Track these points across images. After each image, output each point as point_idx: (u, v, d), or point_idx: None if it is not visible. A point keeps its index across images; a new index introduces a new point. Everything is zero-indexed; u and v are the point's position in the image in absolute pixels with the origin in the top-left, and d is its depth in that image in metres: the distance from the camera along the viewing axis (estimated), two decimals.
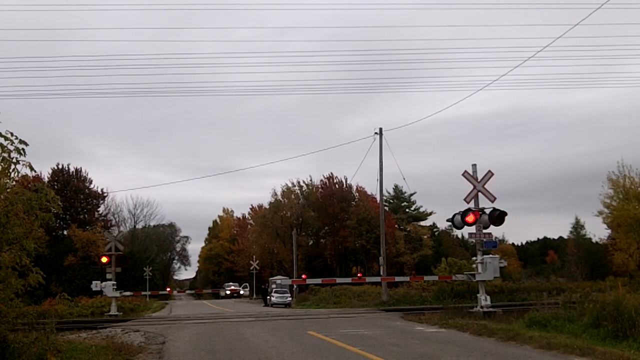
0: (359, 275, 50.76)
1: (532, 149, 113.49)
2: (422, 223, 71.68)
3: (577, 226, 74.00)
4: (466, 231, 20.81)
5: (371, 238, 57.33)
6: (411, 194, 70.77)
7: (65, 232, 56.33)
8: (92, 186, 61.25)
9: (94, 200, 61.70)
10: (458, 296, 27.38)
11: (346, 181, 64.19)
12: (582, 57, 69.67)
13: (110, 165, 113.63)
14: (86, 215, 59.27)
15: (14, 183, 9.56)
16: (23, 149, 9.19)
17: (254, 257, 63.41)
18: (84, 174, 60.85)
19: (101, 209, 63.88)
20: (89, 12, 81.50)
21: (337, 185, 64.32)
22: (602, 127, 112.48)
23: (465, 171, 19.45)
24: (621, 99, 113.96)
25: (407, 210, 71.01)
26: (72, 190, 56.63)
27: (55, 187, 50.08)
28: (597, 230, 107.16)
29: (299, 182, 66.98)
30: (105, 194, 62.65)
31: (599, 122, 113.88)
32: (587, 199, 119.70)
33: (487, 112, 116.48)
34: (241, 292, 68.37)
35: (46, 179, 53.17)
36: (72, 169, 60.05)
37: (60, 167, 58.90)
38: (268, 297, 40.89)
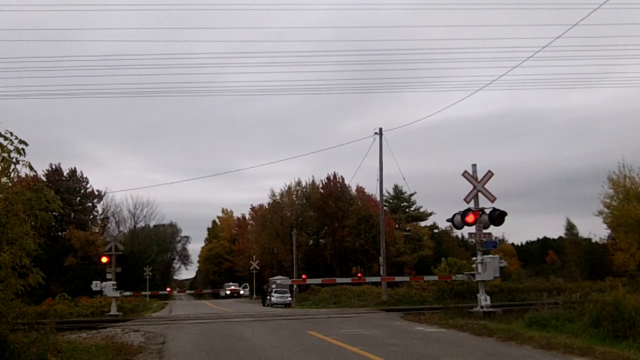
0: (359, 275, 50.76)
1: (531, 150, 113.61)
2: (422, 223, 71.73)
3: (569, 227, 74.21)
4: (466, 231, 20.83)
5: (369, 238, 57.39)
6: (411, 194, 70.91)
7: (62, 234, 56.34)
8: (88, 186, 61.28)
9: (91, 200, 61.68)
10: (458, 296, 27.36)
11: (343, 181, 64.34)
12: (579, 57, 69.73)
13: (111, 166, 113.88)
14: (82, 215, 59.26)
15: (11, 184, 9.55)
16: (23, 149, 9.20)
17: (254, 257, 63.41)
18: (80, 174, 60.84)
19: (98, 208, 63.94)
20: (89, 13, 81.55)
21: (337, 186, 64.32)
22: (600, 128, 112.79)
23: (465, 171, 19.46)
24: (619, 100, 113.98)
25: (407, 210, 71.05)
26: (67, 191, 56.59)
27: (52, 188, 50.10)
28: (598, 230, 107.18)
29: (299, 182, 67.08)
30: (102, 194, 62.61)
31: (596, 123, 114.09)
32: (588, 199, 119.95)
33: (485, 113, 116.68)
34: (241, 292, 68.39)
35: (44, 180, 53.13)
36: (66, 170, 60.07)
37: (54, 167, 58.88)
38: (267, 297, 40.89)
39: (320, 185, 65.74)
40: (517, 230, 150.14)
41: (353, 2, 79.61)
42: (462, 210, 19.07)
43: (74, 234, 53.07)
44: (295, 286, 44.26)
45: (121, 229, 71.60)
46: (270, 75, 73.34)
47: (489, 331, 13.30)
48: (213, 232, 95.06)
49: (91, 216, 62.09)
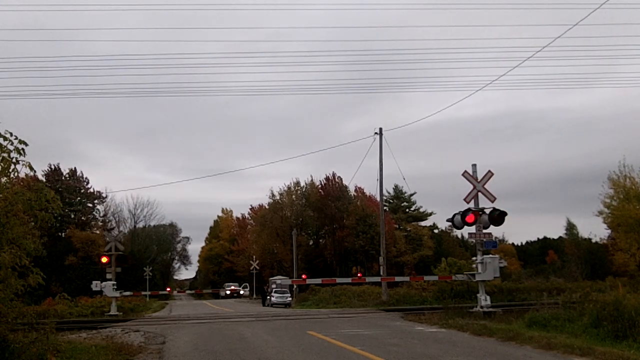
0: (359, 275, 50.75)
1: (531, 150, 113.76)
2: (422, 223, 71.70)
3: (569, 227, 74.30)
4: (466, 231, 20.81)
5: (368, 238, 57.38)
6: (411, 194, 70.88)
7: (62, 234, 56.32)
8: (89, 187, 61.25)
9: (92, 201, 61.68)
10: (458, 296, 27.37)
11: (341, 181, 64.37)
12: (579, 57, 69.89)
13: (111, 166, 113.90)
14: (82, 217, 59.24)
15: (11, 184, 9.55)
16: (23, 149, 9.20)
17: (254, 257, 63.41)
18: (80, 174, 60.81)
19: (100, 209, 63.96)
20: (89, 13, 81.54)
21: (336, 186, 64.34)
22: (600, 128, 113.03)
23: (465, 171, 19.44)
24: (619, 100, 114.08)
25: (407, 210, 71.01)
26: (67, 191, 56.59)
27: (51, 188, 50.23)
28: (598, 230, 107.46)
29: (297, 182, 67.09)
30: (105, 196, 62.68)
31: (596, 123, 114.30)
32: (588, 199, 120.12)
33: (485, 113, 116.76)
34: (241, 292, 68.39)
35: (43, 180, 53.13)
36: (65, 170, 60.04)
37: (53, 168, 58.86)
38: (267, 297, 40.91)
39: (319, 186, 65.79)
40: (517, 230, 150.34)
41: (353, 2, 79.70)
42: (462, 210, 19.05)
43: (75, 234, 53.08)
44: (295, 286, 44.25)
45: (121, 229, 71.62)
46: (269, 75, 73.53)
47: (489, 331, 13.29)
48: (215, 231, 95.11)
49: (91, 216, 62.14)
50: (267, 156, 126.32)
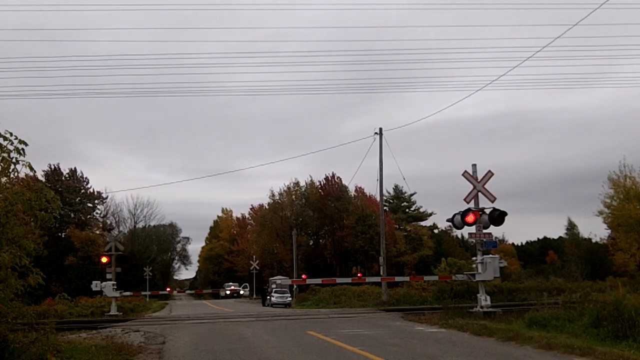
0: (359, 275, 50.77)
1: (531, 150, 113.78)
2: (422, 223, 71.68)
3: (570, 226, 74.33)
4: (466, 231, 20.80)
5: (368, 238, 57.38)
6: (411, 194, 70.88)
7: (62, 234, 56.35)
8: (89, 186, 61.28)
9: (92, 201, 61.72)
10: (458, 296, 27.37)
11: (341, 182, 64.38)
12: (579, 57, 69.93)
13: (111, 166, 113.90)
14: (82, 216, 59.28)
15: (11, 184, 9.54)
16: (22, 149, 9.19)
17: (254, 257, 63.43)
18: (80, 174, 60.85)
19: (100, 209, 64.02)
20: (89, 13, 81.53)
21: (335, 187, 64.37)
22: (600, 128, 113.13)
23: (465, 171, 19.44)
24: (619, 100, 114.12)
25: (407, 210, 71.02)
26: (67, 191, 56.64)
27: (51, 189, 50.33)
28: (598, 231, 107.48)
29: (297, 183, 67.13)
30: (105, 196, 62.77)
31: (596, 123, 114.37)
32: (588, 199, 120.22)
33: (485, 113, 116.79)
34: (241, 292, 68.43)
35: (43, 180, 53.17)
36: (65, 170, 60.10)
37: (53, 168, 58.90)
38: (267, 297, 40.92)
39: (319, 186, 65.81)
40: (517, 230, 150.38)
41: (353, 2, 79.64)
42: (462, 210, 19.04)
43: (75, 234, 53.11)
44: (295, 286, 44.24)
45: (121, 229, 71.63)
46: (269, 75, 73.70)
47: (489, 331, 13.28)
48: (215, 231, 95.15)
49: (90, 216, 62.18)
50: (267, 156, 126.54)
